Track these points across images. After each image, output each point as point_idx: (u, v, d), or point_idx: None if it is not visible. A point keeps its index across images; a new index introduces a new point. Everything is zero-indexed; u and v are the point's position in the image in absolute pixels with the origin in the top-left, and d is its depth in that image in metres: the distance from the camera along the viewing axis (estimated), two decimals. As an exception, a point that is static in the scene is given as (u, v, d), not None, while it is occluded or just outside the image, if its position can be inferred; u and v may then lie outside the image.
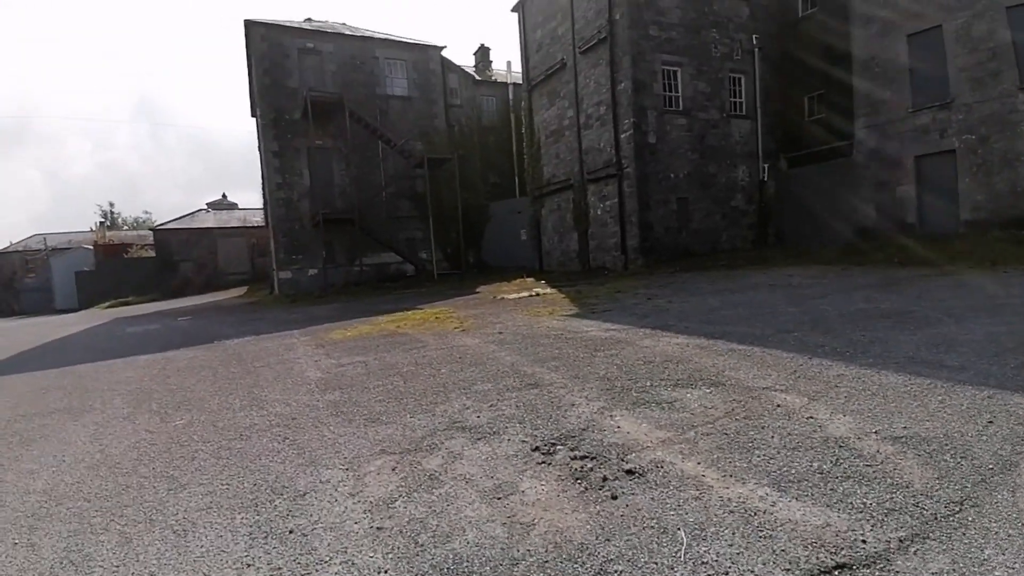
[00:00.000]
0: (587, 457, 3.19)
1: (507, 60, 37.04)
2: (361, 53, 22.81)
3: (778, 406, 3.72)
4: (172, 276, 33.54)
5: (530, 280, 16.76)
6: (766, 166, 17.33)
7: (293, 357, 7.49)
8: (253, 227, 36.25)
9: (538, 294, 12.27)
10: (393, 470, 3.31)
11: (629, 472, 2.93)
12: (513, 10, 20.72)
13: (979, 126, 12.31)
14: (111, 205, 71.85)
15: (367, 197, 21.96)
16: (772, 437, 3.24)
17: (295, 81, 21.55)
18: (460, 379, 5.29)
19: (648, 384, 4.45)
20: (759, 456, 2.98)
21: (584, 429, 3.63)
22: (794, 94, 18.78)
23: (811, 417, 3.48)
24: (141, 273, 34.57)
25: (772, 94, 17.65)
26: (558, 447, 3.39)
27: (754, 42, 17.03)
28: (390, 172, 23.55)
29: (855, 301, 7.31)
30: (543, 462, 3.19)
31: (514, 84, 29.49)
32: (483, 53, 32.28)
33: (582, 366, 5.31)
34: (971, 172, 12.65)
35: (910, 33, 13.62)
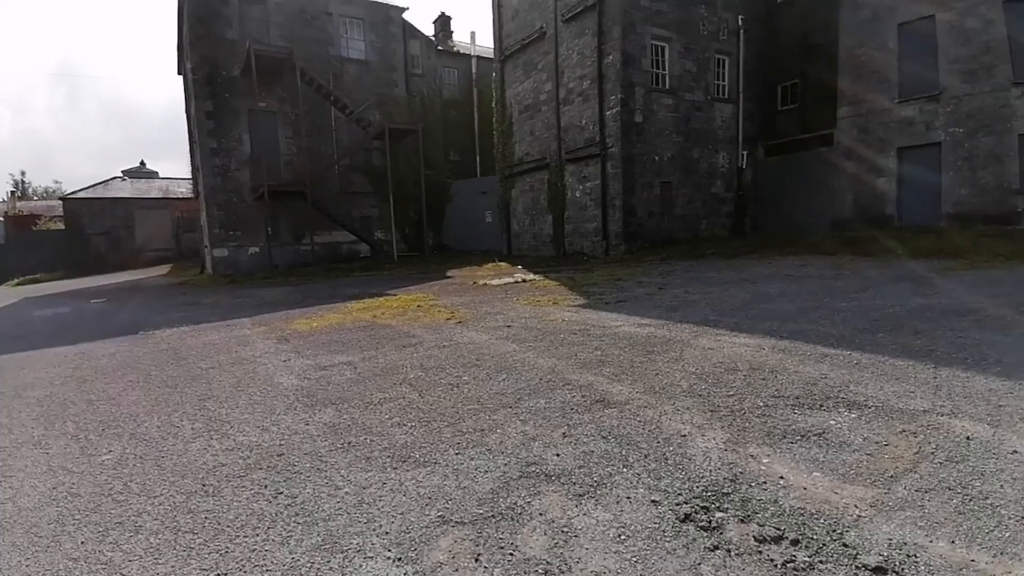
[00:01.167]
0: (779, 537, 2.11)
1: (471, 31, 35.15)
2: (312, 7, 20.41)
3: (968, 438, 2.81)
4: (84, 251, 29.63)
5: (504, 265, 15.57)
6: (744, 153, 16.95)
7: (252, 355, 5.96)
8: (178, 199, 32.67)
9: (524, 280, 11.13)
10: (476, 560, 2.11)
11: (878, 572, 1.89)
12: (485, -29, 19.11)
13: (968, 120, 12.27)
14: (23, 174, 63.60)
15: (318, 169, 19.82)
16: (1004, 488, 2.31)
17: (235, 33, 18.93)
18: (495, 391, 4.09)
19: (762, 405, 3.45)
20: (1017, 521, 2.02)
21: (730, 480, 2.56)
22: (771, 82, 18.51)
23: (1017, 452, 2.60)
24: (50, 248, 30.31)
25: (753, 79, 17.22)
26: (715, 513, 2.30)
27: (740, 23, 16.47)
28: (343, 142, 21.45)
29: (904, 295, 6.70)
30: (713, 547, 2.09)
31: (478, 58, 27.91)
32: (443, 22, 30.29)
33: (648, 374, 4.25)
34: (956, 166, 12.65)
35: (901, 22, 13.41)
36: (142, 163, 36.99)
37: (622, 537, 2.18)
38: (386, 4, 22.02)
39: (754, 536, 2.14)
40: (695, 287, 8.63)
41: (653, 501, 2.42)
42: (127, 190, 32.89)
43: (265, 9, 19.47)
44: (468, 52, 28.05)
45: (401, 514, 2.46)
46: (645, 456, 2.86)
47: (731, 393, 3.68)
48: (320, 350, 5.97)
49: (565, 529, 2.26)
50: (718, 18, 16.13)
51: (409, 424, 3.55)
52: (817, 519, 2.24)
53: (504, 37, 18.56)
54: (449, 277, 13.57)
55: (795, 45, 18.75)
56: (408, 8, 22.51)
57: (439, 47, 27.03)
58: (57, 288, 20.09)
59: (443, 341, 5.99)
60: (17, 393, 4.98)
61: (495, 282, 11.33)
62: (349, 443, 3.31)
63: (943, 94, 12.73)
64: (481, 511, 2.44)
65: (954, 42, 12.34)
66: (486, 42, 29.15)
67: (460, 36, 31.03)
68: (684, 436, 3.07)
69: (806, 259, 10.94)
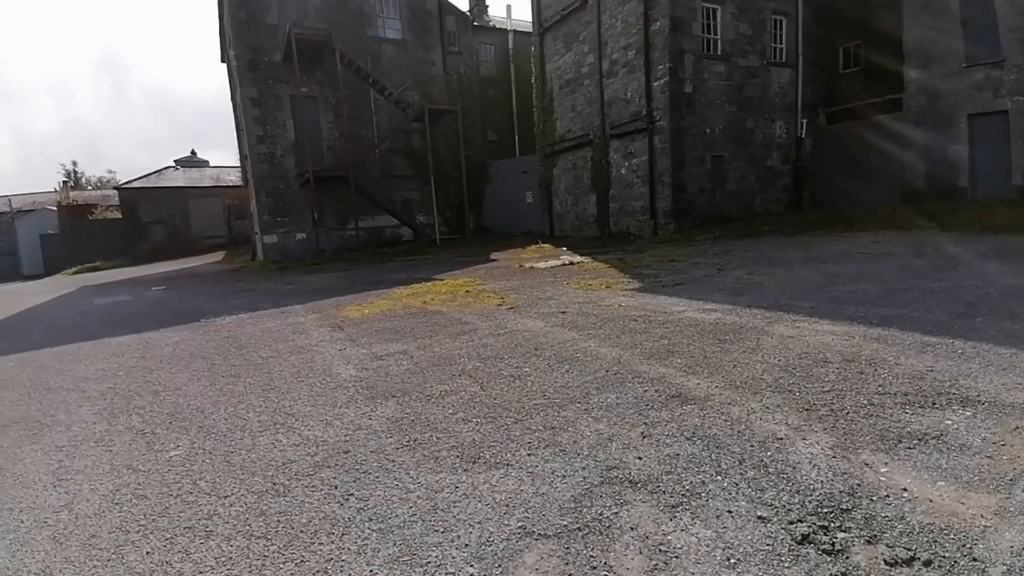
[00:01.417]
0: (911, 559, 1.84)
1: (507, 3, 34.20)
2: (349, -13, 20.26)
3: (1116, 444, 2.42)
4: (141, 239, 31.08)
5: (547, 247, 15.28)
6: (804, 122, 15.89)
7: (308, 344, 5.97)
8: (228, 186, 33.68)
9: (571, 263, 10.83)
10: (568, 581, 1.92)
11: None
12: (523, -59, 18.41)
13: (1046, 82, 11.05)
14: (74, 164, 67.22)
15: (359, 153, 19.89)
16: None
17: (274, 17, 19.03)
18: (560, 384, 3.88)
19: (867, 403, 3.11)
20: None
21: (848, 493, 2.27)
22: (831, 43, 17.21)
23: None
24: (107, 236, 31.93)
25: (813, 40, 16.02)
26: (837, 533, 2.03)
27: (798, -21, 15.27)
28: (383, 125, 21.41)
29: (994, 274, 6.07)
30: (841, 574, 1.83)
31: (515, 32, 27.23)
32: (478, -3, 29.63)
33: (725, 366, 3.94)
34: (1023, 135, 11.47)
35: (964, -19, 12.15)
36: (193, 152, 38.27)
37: (731, 560, 1.94)
38: (422, -20, 21.62)
39: (884, 559, 1.87)
40: (758, 268, 8.13)
41: (760, 517, 2.17)
42: (180, 179, 34.16)
43: None
44: (504, 27, 27.39)
45: (479, 523, 2.30)
46: (740, 462, 2.60)
47: (826, 389, 3.34)
48: (374, 338, 5.91)
49: (663, 548, 2.05)
50: (774, -25, 15.01)
51: (474, 420, 3.39)
52: (947, 534, 1.96)
53: (543, 8, 17.92)
54: (494, 260, 13.40)
55: (858, 3, 17.33)
56: (444, -16, 22.04)
57: (475, 23, 26.47)
58: (115, 276, 21.13)
59: (497, 329, 5.82)
60: (78, 386, 5.12)
61: (541, 265, 11.08)
62: (415, 440, 3.18)
63: (1005, 62, 11.58)
64: (565, 522, 2.26)
65: (1010, 9, 11.18)
66: (522, 15, 28.40)
67: (495, 11, 30.33)
68: (781, 439, 2.78)
69: (878, 235, 10.17)
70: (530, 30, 29.45)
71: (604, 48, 15.38)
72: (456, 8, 24.74)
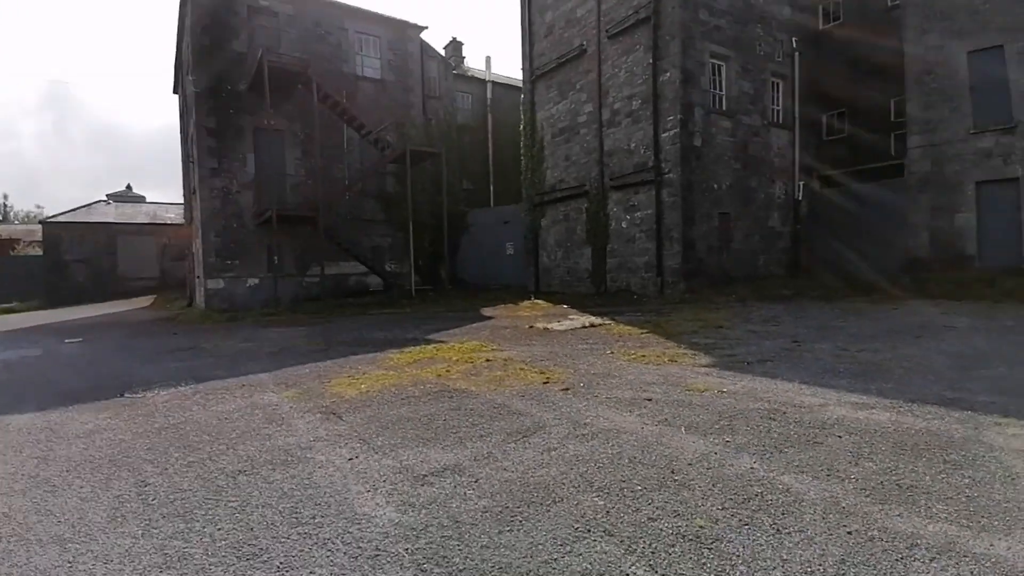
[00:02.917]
0: None
1: (486, 55, 34.16)
2: (327, 21, 19.11)
3: None
4: (62, 279, 27.35)
5: (543, 303, 13.80)
6: (801, 184, 15.61)
7: (296, 444, 4.05)
8: (166, 224, 30.62)
9: (593, 325, 9.34)
10: None
11: None
12: (515, -11, 18.03)
13: (1056, 152, 11.01)
14: (5, 198, 61.17)
15: (330, 193, 18.08)
16: None
17: (242, 44, 17.46)
18: (782, 558, 2.25)
19: None
20: None
21: None
22: (818, 110, 17.41)
23: None
24: (26, 274, 28.04)
25: (807, 105, 16.04)
26: None
27: (794, 45, 15.37)
28: (355, 166, 19.86)
29: None
30: None
31: (493, 83, 26.86)
32: (455, 47, 29.38)
33: (1007, 511, 2.45)
34: (1043, 202, 11.34)
35: (971, 50, 12.33)
36: (128, 187, 35.02)
37: None
38: (404, 22, 20.85)
39: None
40: (841, 339, 6.91)
41: None
42: (111, 214, 30.78)
43: (276, 21, 18.08)
44: (483, 77, 26.98)
45: None
46: None
47: None
48: (395, 437, 4.08)
49: None
50: (773, 38, 15.03)
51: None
52: None
53: (535, 56, 17.31)
54: (490, 318, 11.74)
55: (842, 72, 17.75)
56: (427, 27, 21.38)
57: (454, 71, 25.91)
58: (29, 321, 17.83)
59: (574, 426, 4.15)
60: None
61: (557, 326, 9.52)
62: None
63: (1018, 127, 11.59)
64: None
65: None
66: (499, 68, 28.21)
67: (472, 62, 30.14)
68: None
69: (938, 303, 9.33)
70: (508, 82, 29.35)
71: (605, 97, 14.69)
72: (437, 53, 24.12)
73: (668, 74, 12.90)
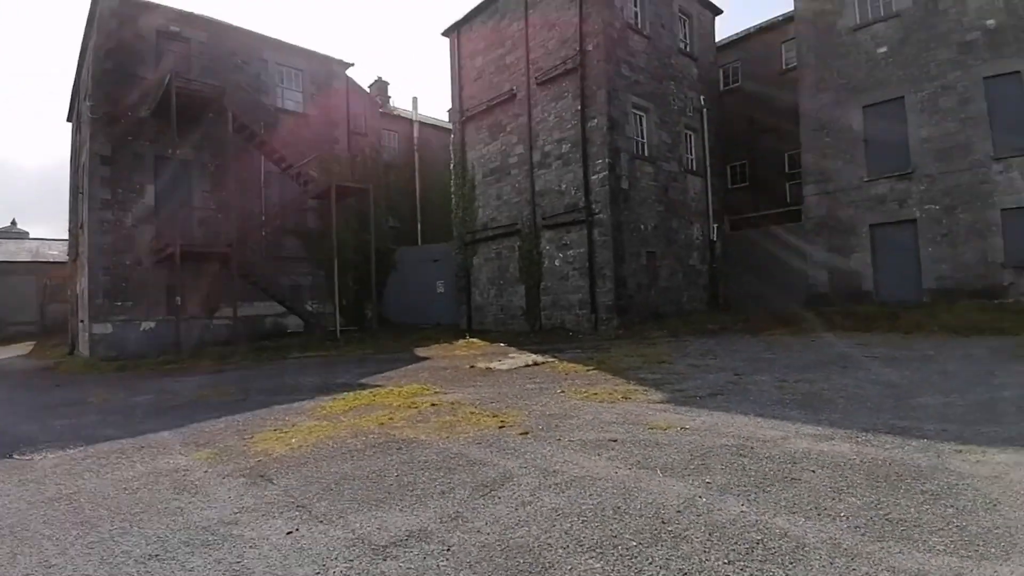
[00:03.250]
0: None
1: (413, 96, 34.29)
2: (245, 51, 18.26)
3: None
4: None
5: (479, 342, 13.44)
6: (716, 226, 16.74)
7: (218, 519, 3.36)
8: (48, 263, 27.10)
9: (536, 364, 9.11)
10: None
11: None
12: (445, 34, 18.35)
13: (943, 196, 12.64)
14: None
15: (245, 228, 16.79)
16: None
17: (148, 70, 16.16)
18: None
19: None
20: None
21: None
22: (724, 160, 19.01)
23: None
24: None
25: (716, 156, 17.44)
26: None
27: (702, 102, 16.76)
28: (273, 200, 18.71)
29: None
30: None
31: (420, 123, 26.89)
32: (380, 86, 29.30)
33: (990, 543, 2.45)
34: (934, 242, 12.88)
35: (867, 104, 14.02)
36: (13, 222, 30.77)
37: None
38: (329, 57, 20.43)
39: None
40: (777, 371, 7.17)
41: None
42: (-18, 251, 26.78)
43: (188, 48, 17.00)
44: (410, 117, 26.96)
45: None
46: None
47: None
48: (341, 500, 3.53)
49: None
50: (684, 95, 16.31)
51: None
52: None
53: (465, 99, 17.53)
54: (426, 359, 11.18)
55: (742, 128, 19.64)
56: (353, 64, 21.10)
57: (380, 109, 25.68)
58: None
59: (542, 474, 3.82)
60: None
61: (497, 365, 9.19)
62: None
63: (915, 172, 13.13)
64: None
65: (927, 121, 12.88)
66: (425, 109, 28.33)
67: (397, 102, 30.12)
68: None
69: (855, 336, 10.06)
70: (435, 123, 29.54)
71: (535, 140, 15.06)
72: (363, 90, 23.81)
73: (596, 120, 13.49)
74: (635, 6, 14.78)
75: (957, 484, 3.24)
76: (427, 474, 3.96)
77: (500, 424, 5.27)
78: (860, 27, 14.12)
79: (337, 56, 20.59)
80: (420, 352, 12.30)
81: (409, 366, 10.11)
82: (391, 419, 5.73)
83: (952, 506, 2.94)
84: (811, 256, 15.11)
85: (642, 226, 14.23)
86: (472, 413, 5.80)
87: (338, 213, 18.67)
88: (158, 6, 16.65)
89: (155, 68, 16.24)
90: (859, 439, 4.19)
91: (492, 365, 9.25)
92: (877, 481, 3.38)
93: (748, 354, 8.81)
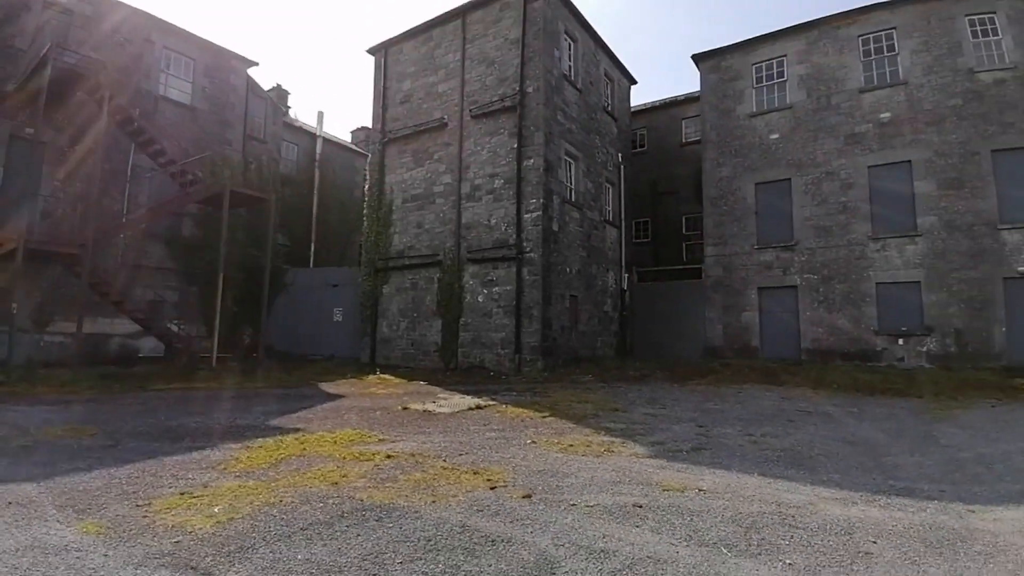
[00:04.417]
0: None
1: (318, 110, 31.85)
2: (130, 29, 15.65)
3: None
4: None
5: (392, 378, 12.18)
6: (627, 276, 17.44)
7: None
8: None
9: (480, 406, 8.28)
10: None
11: None
12: (371, 52, 17.45)
13: (822, 268, 14.40)
14: None
15: (98, 229, 13.77)
16: None
17: (25, 41, 13.20)
18: None
19: None
20: None
21: None
22: (630, 216, 20.19)
23: None
24: None
25: (628, 210, 18.40)
26: None
27: (620, 159, 17.71)
28: (140, 199, 15.86)
29: (980, 439, 6.25)
30: None
31: (324, 138, 25.15)
32: (280, 94, 26.98)
33: None
34: (812, 307, 14.55)
35: (759, 181, 15.77)
36: None
37: None
38: (228, 51, 18.33)
39: None
40: (734, 423, 7.20)
41: None
42: None
43: (69, 19, 14.16)
44: (313, 131, 25.11)
45: None
46: None
47: None
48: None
49: None
50: (606, 150, 17.11)
51: None
52: None
53: (389, 120, 16.63)
54: (340, 396, 9.73)
55: (646, 189, 21.16)
56: (257, 64, 19.17)
57: (284, 118, 23.56)
58: None
59: (590, 556, 3.14)
60: None
61: (434, 408, 8.21)
62: None
63: (797, 245, 14.90)
64: None
65: (809, 202, 14.76)
66: (330, 127, 26.26)
67: (298, 114, 28.00)
68: None
69: (761, 388, 10.68)
70: (339, 141, 27.85)
71: (465, 172, 14.59)
72: (266, 93, 21.66)
73: (532, 160, 13.46)
74: (570, 60, 15.33)
75: (998, 544, 3.23)
76: (443, 558, 3.05)
77: (489, 484, 4.45)
78: (756, 114, 16.02)
79: (239, 52, 18.60)
80: (327, 388, 10.74)
81: (324, 404, 8.66)
82: (344, 476, 4.60)
83: (1011, 561, 2.85)
84: (708, 311, 16.28)
85: (567, 269, 14.27)
86: (445, 469, 4.89)
87: (220, 223, 16.31)
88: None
89: (30, 38, 13.27)
90: (879, 503, 4.12)
91: (428, 407, 8.24)
92: (933, 546, 3.24)
93: (690, 403, 8.90)
